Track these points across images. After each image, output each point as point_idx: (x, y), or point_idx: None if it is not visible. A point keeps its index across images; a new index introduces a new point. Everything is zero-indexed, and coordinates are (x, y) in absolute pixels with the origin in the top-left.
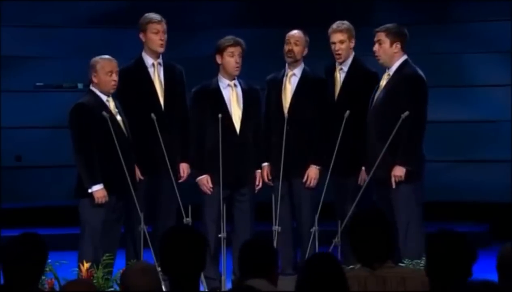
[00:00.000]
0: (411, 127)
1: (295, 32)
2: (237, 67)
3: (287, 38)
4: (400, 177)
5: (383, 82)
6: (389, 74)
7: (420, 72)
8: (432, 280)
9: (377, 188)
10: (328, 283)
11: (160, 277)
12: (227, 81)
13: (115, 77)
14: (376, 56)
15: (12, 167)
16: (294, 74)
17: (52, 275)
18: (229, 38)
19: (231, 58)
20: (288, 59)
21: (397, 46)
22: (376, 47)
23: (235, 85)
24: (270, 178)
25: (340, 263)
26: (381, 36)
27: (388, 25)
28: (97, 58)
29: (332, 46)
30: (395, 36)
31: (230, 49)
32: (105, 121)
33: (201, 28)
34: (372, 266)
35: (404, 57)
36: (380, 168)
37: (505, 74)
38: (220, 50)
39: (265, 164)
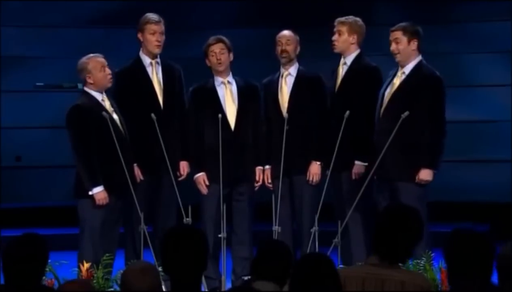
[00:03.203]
0: (434, 130)
1: (285, 32)
2: (218, 63)
3: (277, 39)
4: (428, 181)
5: (397, 81)
6: (404, 72)
7: (437, 73)
8: (453, 281)
9: (384, 187)
10: (321, 282)
11: (160, 277)
12: (220, 79)
13: (108, 70)
14: (394, 54)
15: (12, 167)
16: (289, 74)
17: (52, 275)
18: (210, 38)
19: (212, 57)
20: (283, 60)
21: (414, 44)
22: (393, 46)
23: (228, 82)
24: (269, 181)
25: (333, 263)
26: (398, 34)
27: (404, 23)
28: (84, 59)
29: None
30: (412, 34)
31: (211, 49)
32: (103, 121)
33: (200, 28)
34: (389, 262)
35: (420, 57)
36: (391, 167)
37: (505, 74)
38: (205, 54)
39: (267, 166)
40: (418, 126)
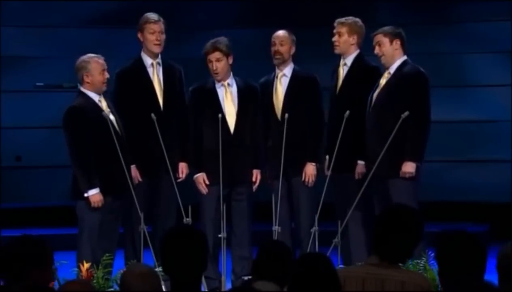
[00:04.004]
0: (417, 124)
1: (279, 32)
2: (215, 73)
3: (272, 39)
4: (411, 173)
5: (383, 81)
6: (389, 73)
7: (422, 69)
8: (444, 281)
9: (378, 185)
10: (320, 282)
11: (160, 277)
12: (220, 82)
13: (106, 75)
14: (379, 57)
15: (12, 167)
16: (284, 75)
17: None
18: (208, 44)
19: (210, 64)
20: (276, 61)
21: (397, 43)
22: (376, 49)
23: (228, 84)
24: (268, 181)
25: (331, 262)
26: (379, 37)
27: (385, 27)
28: (85, 58)
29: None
30: (393, 36)
31: (208, 57)
32: (101, 122)
33: (201, 28)
34: (389, 262)
35: (404, 57)
36: (382, 165)
37: (505, 74)
38: (205, 59)
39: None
40: (404, 123)
